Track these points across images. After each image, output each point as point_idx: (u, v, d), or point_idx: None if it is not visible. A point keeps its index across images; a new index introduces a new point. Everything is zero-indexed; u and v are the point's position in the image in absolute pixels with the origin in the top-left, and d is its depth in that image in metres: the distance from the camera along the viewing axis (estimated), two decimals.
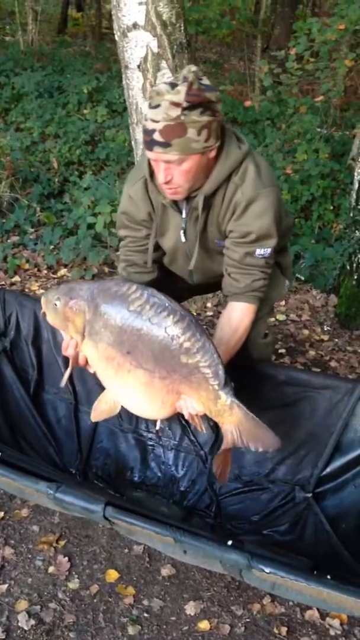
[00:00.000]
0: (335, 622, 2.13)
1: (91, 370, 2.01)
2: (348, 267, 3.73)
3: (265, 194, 1.96)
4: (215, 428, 2.44)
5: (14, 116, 7.14)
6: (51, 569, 2.24)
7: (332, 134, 6.37)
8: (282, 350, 3.39)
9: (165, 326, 1.77)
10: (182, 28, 3.36)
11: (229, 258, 2.07)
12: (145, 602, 2.16)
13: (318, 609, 2.15)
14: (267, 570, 1.72)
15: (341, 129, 6.87)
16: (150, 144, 1.84)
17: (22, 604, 2.12)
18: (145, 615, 2.13)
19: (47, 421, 2.59)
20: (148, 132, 1.83)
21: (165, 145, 1.80)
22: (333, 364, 3.34)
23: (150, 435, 2.53)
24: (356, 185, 3.68)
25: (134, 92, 3.48)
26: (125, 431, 2.56)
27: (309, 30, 5.02)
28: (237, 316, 2.08)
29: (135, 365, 1.82)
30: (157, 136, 1.80)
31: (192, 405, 1.84)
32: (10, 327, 2.67)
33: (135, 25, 3.29)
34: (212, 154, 1.92)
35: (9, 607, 2.12)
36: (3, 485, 2.16)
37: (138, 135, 3.56)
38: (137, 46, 3.33)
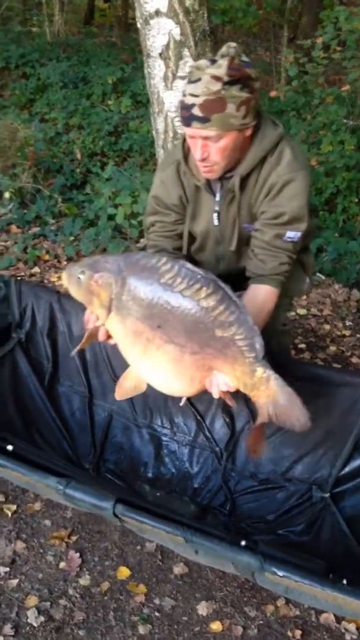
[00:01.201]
0: (352, 627, 2.07)
1: (111, 342, 1.91)
2: None
3: (300, 176, 1.95)
4: (231, 424, 2.40)
5: (38, 107, 7.13)
6: (62, 565, 2.21)
7: (358, 124, 6.25)
8: (302, 345, 3.32)
9: (198, 299, 1.67)
10: (205, 15, 3.29)
11: (258, 239, 2.04)
12: (157, 601, 2.12)
13: (334, 612, 2.09)
14: (281, 573, 1.67)
15: None
16: (188, 119, 1.83)
17: (32, 600, 2.10)
18: (157, 614, 2.09)
19: (61, 414, 2.56)
20: (187, 107, 1.82)
21: (204, 120, 1.80)
22: (354, 360, 3.26)
23: (164, 430, 2.49)
24: None
25: (155, 81, 3.42)
26: (140, 426, 2.51)
27: (336, 19, 4.90)
28: (261, 298, 2.03)
29: (166, 340, 1.72)
30: (196, 111, 1.80)
31: (223, 381, 1.75)
32: (25, 318, 2.64)
33: (157, 13, 3.23)
34: (249, 132, 1.92)
35: (18, 602, 2.09)
36: (14, 479, 2.13)
37: (159, 125, 3.51)
38: (159, 34, 3.26)
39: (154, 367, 1.80)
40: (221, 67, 1.78)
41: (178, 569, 2.22)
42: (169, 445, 2.47)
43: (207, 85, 1.78)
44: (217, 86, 1.78)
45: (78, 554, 2.25)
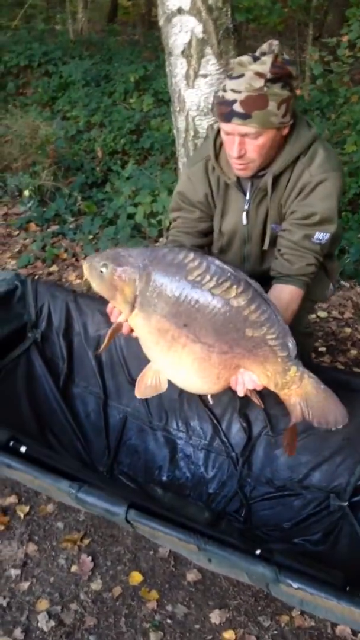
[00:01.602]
0: None
1: (134, 336, 1.85)
2: None
3: (332, 177, 1.93)
4: (248, 429, 2.35)
5: (60, 105, 7.13)
6: (74, 568, 2.19)
7: None
8: (322, 349, 3.26)
9: (228, 298, 1.62)
10: (229, 13, 3.23)
11: (286, 239, 2.00)
12: (169, 608, 2.09)
13: None
14: (296, 585, 1.62)
15: None
16: (228, 115, 1.81)
17: (43, 604, 2.07)
18: (169, 621, 2.05)
19: (75, 415, 2.53)
20: (227, 103, 1.80)
21: (245, 116, 1.79)
22: (355, 371, 3.19)
23: (180, 434, 2.45)
24: None
25: (177, 80, 3.37)
26: (155, 428, 2.48)
27: None
28: (286, 298, 1.99)
29: (192, 339, 1.67)
30: (237, 107, 1.79)
31: (250, 379, 1.71)
32: (41, 318, 2.62)
33: (180, 10, 3.18)
34: (285, 131, 1.91)
35: (29, 606, 2.07)
36: (27, 482, 2.11)
37: (180, 124, 3.47)
38: (181, 32, 3.21)
39: (178, 365, 1.75)
40: (265, 64, 1.77)
41: (191, 576, 2.18)
42: (184, 449, 2.43)
43: (250, 82, 1.77)
44: (260, 83, 1.77)
45: (90, 558, 2.22)
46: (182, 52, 3.26)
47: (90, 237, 4.29)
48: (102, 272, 1.76)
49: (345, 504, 2.17)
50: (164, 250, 1.73)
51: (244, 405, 2.35)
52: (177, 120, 3.51)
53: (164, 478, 2.40)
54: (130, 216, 4.28)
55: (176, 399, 2.45)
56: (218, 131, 2.01)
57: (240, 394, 1.76)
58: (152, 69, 7.81)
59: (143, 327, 1.77)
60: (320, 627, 2.05)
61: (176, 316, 1.68)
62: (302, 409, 1.74)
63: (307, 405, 1.73)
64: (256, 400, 1.81)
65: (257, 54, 1.83)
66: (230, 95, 1.80)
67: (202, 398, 2.40)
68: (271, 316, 1.65)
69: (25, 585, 2.13)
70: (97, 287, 1.83)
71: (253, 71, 1.78)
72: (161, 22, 3.38)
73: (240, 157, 1.89)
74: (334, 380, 2.22)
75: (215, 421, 2.39)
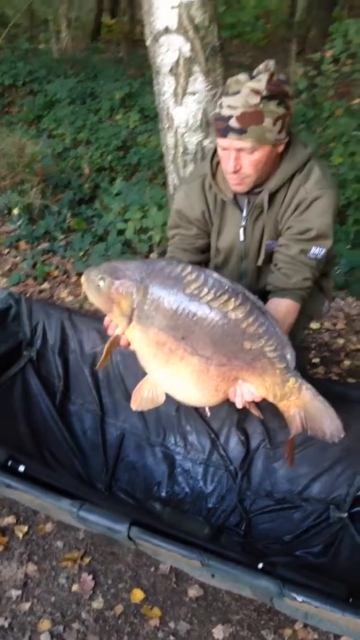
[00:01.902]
0: None
1: (131, 349, 1.86)
2: None
3: (328, 194, 1.96)
4: (246, 443, 2.36)
5: (46, 123, 7.16)
6: (75, 587, 2.17)
7: None
8: (316, 360, 3.27)
9: (226, 310, 1.64)
10: (215, 31, 3.28)
11: (283, 254, 2.03)
12: (172, 625, 2.08)
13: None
14: (300, 598, 1.62)
15: None
16: (224, 130, 1.85)
17: (45, 624, 2.06)
18: (172, 638, 2.04)
19: (72, 433, 2.53)
20: (223, 119, 1.84)
21: (241, 132, 1.82)
22: (351, 382, 3.21)
23: (178, 449, 2.45)
24: None
25: (165, 97, 3.41)
26: (153, 444, 2.48)
27: (345, 32, 4.90)
28: (283, 311, 2.00)
29: (190, 352, 1.69)
30: (233, 122, 1.82)
31: (248, 391, 1.72)
32: (36, 336, 2.62)
33: (167, 30, 3.22)
34: (281, 148, 1.93)
35: (31, 626, 2.05)
36: (26, 501, 2.10)
37: (169, 141, 3.50)
38: (168, 51, 3.25)
39: (176, 378, 1.76)
40: (261, 82, 1.80)
41: (193, 592, 2.17)
42: (183, 464, 2.43)
43: (246, 98, 1.80)
44: (255, 100, 1.80)
45: (91, 577, 2.21)
46: (170, 71, 3.29)
47: (81, 253, 4.29)
48: (99, 285, 1.77)
49: (345, 515, 2.17)
50: (162, 263, 1.74)
51: (242, 419, 2.36)
52: (166, 137, 3.54)
53: (163, 494, 2.40)
54: (121, 232, 4.29)
55: (174, 415, 2.45)
56: (215, 151, 2.04)
57: (239, 405, 1.76)
58: (137, 86, 7.87)
59: (140, 340, 1.78)
60: None
61: (174, 329, 1.69)
62: (300, 419, 1.75)
63: (305, 416, 1.75)
64: (255, 411, 1.82)
65: (254, 73, 1.87)
66: (226, 111, 1.84)
67: (199, 411, 2.40)
68: (269, 328, 1.66)
69: (26, 605, 2.11)
70: (94, 300, 1.84)
71: (249, 88, 1.81)
72: (148, 42, 3.41)
73: (236, 172, 1.92)
74: (329, 392, 2.22)
75: (213, 435, 2.40)
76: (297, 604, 1.64)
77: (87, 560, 2.27)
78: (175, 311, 1.67)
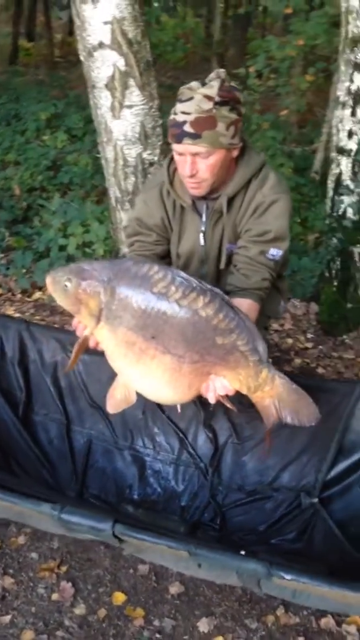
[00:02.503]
0: (352, 628, 2.07)
1: (100, 349, 1.86)
2: (327, 274, 3.75)
3: (283, 199, 2.04)
4: (214, 439, 2.40)
5: None
6: (55, 596, 2.15)
7: (292, 149, 6.48)
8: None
9: (196, 308, 1.66)
10: (147, 46, 3.37)
11: (242, 256, 2.08)
12: (156, 623, 2.08)
13: (333, 616, 2.10)
14: (288, 577, 1.67)
15: (301, 145, 6.98)
16: (179, 136, 1.89)
17: (28, 635, 2.02)
18: (158, 636, 2.05)
19: (38, 443, 2.51)
20: (178, 125, 1.89)
21: (196, 136, 1.87)
22: (320, 370, 3.32)
23: (147, 450, 2.47)
24: (330, 193, 3.71)
25: (102, 111, 3.46)
26: (121, 448, 2.49)
27: (268, 48, 5.10)
28: (245, 310, 2.03)
29: (162, 351, 1.70)
30: (187, 127, 1.87)
31: (221, 385, 1.75)
32: None
33: (101, 45, 3.29)
34: (235, 153, 1.99)
35: (14, 638, 2.02)
36: (2, 510, 2.07)
37: (109, 154, 3.55)
38: (103, 65, 3.32)
39: (147, 377, 1.78)
40: (213, 88, 1.87)
41: (174, 589, 2.19)
42: (153, 465, 2.45)
43: (199, 104, 1.86)
44: (208, 105, 1.86)
45: (70, 584, 2.19)
46: (106, 85, 3.35)
47: (24, 271, 4.26)
48: (66, 286, 1.78)
49: (316, 500, 2.25)
50: (128, 263, 1.77)
51: (209, 417, 2.40)
52: (105, 151, 3.58)
53: (135, 496, 2.41)
54: (62, 248, 4.29)
55: (140, 418, 2.47)
56: (171, 158, 2.08)
57: (212, 400, 1.80)
58: (62, 107, 7.88)
59: (109, 340, 1.79)
60: (305, 623, 2.10)
61: (143, 328, 1.71)
62: (275, 409, 1.80)
63: (280, 405, 1.80)
64: (229, 404, 1.85)
65: (206, 80, 1.94)
66: (180, 117, 1.89)
67: (166, 412, 2.43)
68: (239, 323, 1.71)
69: (6, 618, 2.07)
70: (61, 301, 1.84)
71: (202, 94, 1.87)
72: (82, 57, 3.47)
73: (192, 176, 1.96)
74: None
75: (181, 435, 2.43)
76: (286, 582, 1.69)
77: (64, 568, 2.25)
78: (144, 310, 1.70)
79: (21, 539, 2.34)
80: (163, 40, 7.33)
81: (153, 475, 2.44)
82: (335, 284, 3.70)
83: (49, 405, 2.56)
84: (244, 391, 1.79)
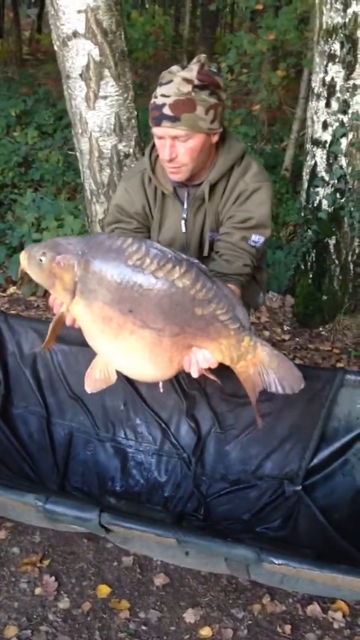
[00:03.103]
0: (338, 615, 2.08)
1: (76, 325, 1.82)
2: (302, 267, 3.76)
3: (266, 187, 2.04)
4: (197, 429, 2.38)
5: None
6: (38, 591, 2.11)
7: (262, 147, 6.50)
8: None
9: (172, 279, 1.63)
10: (122, 36, 3.34)
11: (225, 242, 2.06)
12: (142, 615, 2.06)
13: (319, 603, 2.10)
14: (278, 562, 1.66)
15: (270, 143, 7.01)
16: (158, 119, 1.88)
17: (11, 630, 1.98)
18: (144, 628, 2.02)
19: (18, 437, 2.45)
20: (157, 107, 1.87)
21: (174, 119, 1.86)
22: (297, 362, 3.32)
23: (129, 442, 2.44)
24: (305, 185, 3.72)
25: (77, 102, 3.42)
26: (103, 440, 2.45)
27: (240, 43, 5.11)
28: None
29: (140, 325, 1.67)
30: (166, 110, 1.85)
31: (203, 357, 1.72)
32: None
33: (75, 34, 3.24)
34: (215, 138, 1.97)
35: None
36: None
37: (83, 146, 3.51)
38: (78, 55, 3.28)
39: (127, 354, 1.74)
40: (192, 71, 1.86)
41: (159, 580, 2.17)
42: (135, 456, 2.42)
43: (178, 87, 1.85)
44: (187, 88, 1.84)
45: (53, 578, 2.15)
46: (81, 75, 3.32)
47: None
48: (41, 260, 1.75)
49: (299, 487, 2.25)
50: (102, 237, 1.75)
51: (191, 406, 2.38)
52: (80, 143, 3.54)
53: (118, 488, 2.38)
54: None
55: (122, 409, 2.44)
56: (153, 145, 2.07)
57: (195, 374, 1.76)
58: (31, 103, 7.82)
59: (86, 316, 1.75)
60: (292, 611, 2.10)
61: (120, 302, 1.67)
62: (260, 377, 1.77)
63: (265, 373, 1.76)
64: (212, 377, 1.82)
65: (186, 64, 1.93)
66: (160, 100, 1.88)
67: (147, 403, 2.41)
68: (217, 292, 1.68)
69: None
70: (35, 276, 1.81)
71: (181, 77, 1.86)
72: (56, 46, 3.42)
73: (171, 160, 1.95)
74: None
75: (163, 425, 2.41)
76: (276, 567, 1.67)
77: (46, 562, 2.21)
78: (119, 284, 1.66)
79: (2, 534, 2.30)
80: (134, 37, 7.27)
81: (135, 466, 2.41)
82: (311, 276, 3.72)
83: (28, 398, 2.51)
84: (227, 362, 1.76)
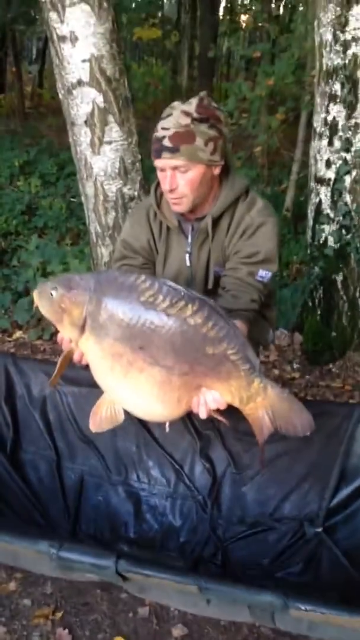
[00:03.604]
0: None
1: (84, 363, 1.79)
2: (310, 304, 3.73)
3: (272, 222, 2.04)
4: (212, 469, 2.31)
5: None
6: None
7: (263, 189, 6.58)
8: None
9: (184, 317, 1.61)
10: (126, 83, 3.40)
11: (231, 277, 2.05)
12: None
13: None
14: (307, 607, 1.58)
15: (270, 185, 7.09)
16: (158, 150, 1.92)
17: None
18: None
19: (28, 482, 2.38)
20: (158, 140, 1.91)
21: (174, 150, 1.89)
22: (309, 399, 3.27)
23: (142, 485, 2.37)
24: (310, 223, 3.72)
25: (82, 148, 3.46)
26: (115, 484, 2.38)
27: (239, 90, 5.21)
28: None
29: (150, 363, 1.63)
30: (166, 142, 1.89)
31: (212, 398, 1.68)
32: None
33: (80, 82, 3.31)
34: (217, 170, 1.99)
35: None
36: None
37: (88, 190, 3.53)
38: (82, 102, 3.34)
39: (136, 392, 1.70)
40: (191, 105, 1.91)
41: (177, 631, 2.07)
42: (149, 500, 2.34)
43: (177, 120, 1.89)
44: (186, 120, 1.88)
45: (67, 631, 2.05)
46: (86, 122, 3.37)
47: (3, 311, 4.18)
48: (51, 294, 1.73)
49: (320, 529, 2.16)
50: (115, 274, 1.75)
51: (205, 446, 2.32)
52: (85, 187, 3.57)
53: (132, 534, 2.29)
54: None
55: (134, 451, 2.38)
56: (158, 182, 2.08)
57: (203, 415, 1.72)
58: (34, 154, 7.97)
59: (95, 352, 1.72)
60: None
61: (131, 339, 1.64)
62: (270, 419, 1.73)
63: (274, 416, 1.72)
64: (221, 418, 1.78)
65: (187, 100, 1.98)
66: (160, 133, 1.92)
67: (160, 444, 2.35)
68: (229, 331, 1.65)
69: None
70: (45, 311, 1.79)
71: (180, 110, 1.91)
72: (61, 94, 3.48)
73: (172, 190, 1.97)
74: None
75: (177, 466, 2.33)
76: (303, 613, 1.59)
77: (59, 614, 2.11)
78: (131, 320, 1.64)
79: (12, 585, 2.21)
80: (134, 87, 7.45)
81: (149, 510, 2.33)
82: (319, 312, 3.69)
83: (37, 442, 2.45)
84: (236, 404, 1.72)
